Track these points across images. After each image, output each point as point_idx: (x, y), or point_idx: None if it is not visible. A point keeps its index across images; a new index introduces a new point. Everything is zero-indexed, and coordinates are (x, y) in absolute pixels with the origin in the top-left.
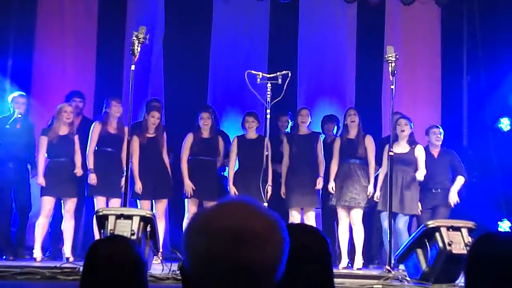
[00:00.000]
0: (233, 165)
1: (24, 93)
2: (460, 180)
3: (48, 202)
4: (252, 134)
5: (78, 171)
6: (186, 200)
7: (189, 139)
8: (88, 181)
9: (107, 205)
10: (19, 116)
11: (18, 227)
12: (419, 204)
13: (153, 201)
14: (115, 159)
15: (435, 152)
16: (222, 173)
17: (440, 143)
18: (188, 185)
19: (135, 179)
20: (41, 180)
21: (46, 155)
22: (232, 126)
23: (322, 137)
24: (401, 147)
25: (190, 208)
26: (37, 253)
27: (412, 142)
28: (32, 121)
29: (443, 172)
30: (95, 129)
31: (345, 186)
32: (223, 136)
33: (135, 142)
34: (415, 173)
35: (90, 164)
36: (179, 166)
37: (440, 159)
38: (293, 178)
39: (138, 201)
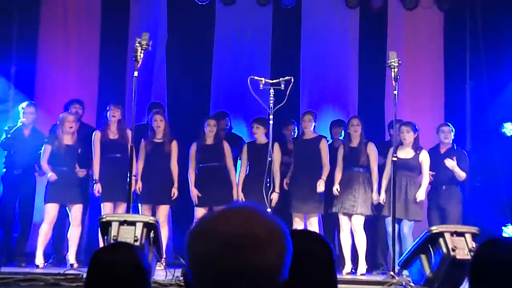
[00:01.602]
0: (244, 172)
1: (33, 102)
2: (462, 173)
3: (51, 209)
4: (261, 139)
5: (80, 172)
6: (195, 208)
7: (193, 148)
8: (93, 191)
9: (114, 211)
10: (20, 124)
11: (19, 234)
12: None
13: (155, 207)
14: (121, 164)
15: (443, 149)
16: None
17: (449, 140)
18: (194, 193)
19: (137, 180)
20: (51, 175)
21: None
22: (235, 131)
23: (330, 141)
24: (405, 153)
25: (199, 215)
26: (39, 260)
27: (417, 147)
28: (40, 129)
29: (449, 169)
30: (96, 139)
31: (346, 193)
32: (233, 139)
33: (142, 146)
34: (419, 178)
35: (96, 174)
36: (184, 173)
37: (446, 156)
38: (297, 183)
39: (139, 205)
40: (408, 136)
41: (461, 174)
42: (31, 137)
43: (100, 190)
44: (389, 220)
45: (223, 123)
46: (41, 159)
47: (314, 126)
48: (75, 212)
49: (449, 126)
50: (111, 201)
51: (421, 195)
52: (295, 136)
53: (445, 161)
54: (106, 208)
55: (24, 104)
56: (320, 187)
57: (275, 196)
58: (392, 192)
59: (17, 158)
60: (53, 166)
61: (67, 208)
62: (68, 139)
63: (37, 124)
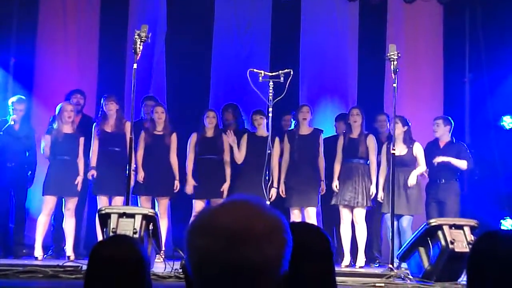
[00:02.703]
0: (240, 162)
1: (23, 97)
2: (462, 162)
3: (50, 201)
4: (262, 132)
5: (80, 181)
6: (193, 200)
7: (193, 138)
8: (87, 175)
9: (109, 204)
10: (12, 123)
11: (15, 226)
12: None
13: (155, 199)
14: (119, 157)
15: (442, 143)
16: None
17: (440, 134)
18: (190, 184)
19: (138, 169)
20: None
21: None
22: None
23: (332, 134)
24: (399, 149)
25: (197, 207)
26: (38, 251)
27: (409, 141)
28: (32, 125)
29: (448, 163)
30: (95, 132)
31: (347, 185)
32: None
33: (142, 137)
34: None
35: (93, 162)
36: (182, 165)
37: (445, 150)
38: (294, 177)
39: (138, 197)
40: (397, 127)
41: (461, 164)
42: (21, 130)
43: (95, 175)
44: (388, 215)
45: (229, 115)
46: (42, 151)
47: (311, 119)
48: (69, 204)
49: (441, 118)
50: (106, 194)
51: (412, 179)
52: (290, 128)
53: (434, 161)
54: (102, 201)
55: (14, 99)
56: (323, 191)
57: (273, 191)
58: (391, 185)
59: (10, 151)
60: (54, 156)
61: (63, 199)
62: (67, 128)
63: (36, 116)
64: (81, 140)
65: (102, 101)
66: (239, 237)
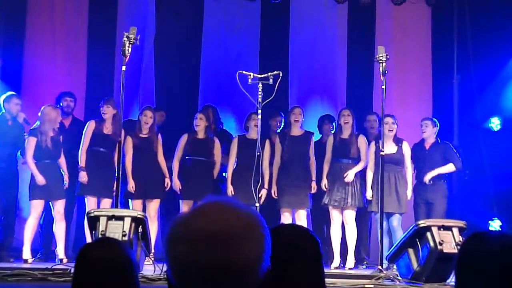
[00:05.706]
0: (232, 164)
1: (15, 93)
2: (449, 166)
3: (37, 205)
4: (254, 134)
5: (66, 179)
6: (180, 201)
7: (183, 139)
8: (79, 179)
9: (98, 206)
10: (21, 120)
11: (3, 229)
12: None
13: (145, 202)
14: (107, 159)
15: (428, 144)
16: (224, 174)
17: (428, 134)
18: (176, 184)
19: (128, 178)
20: (40, 179)
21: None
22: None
23: (318, 136)
24: (389, 147)
25: (184, 209)
26: (27, 254)
27: (397, 140)
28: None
29: (434, 164)
30: (89, 128)
31: (336, 186)
32: (223, 136)
33: (129, 142)
34: (405, 171)
35: (82, 162)
36: (171, 167)
37: (431, 151)
38: (285, 178)
39: (130, 200)
40: (394, 128)
41: (449, 169)
42: (13, 127)
43: (86, 178)
44: (377, 215)
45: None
46: (26, 153)
47: (302, 121)
48: (58, 206)
49: (430, 120)
50: (94, 195)
51: (409, 192)
52: (281, 129)
53: (425, 180)
54: (90, 203)
55: (4, 96)
56: (314, 189)
57: (264, 193)
58: (380, 187)
59: (2, 150)
60: (37, 160)
61: (50, 203)
62: (51, 133)
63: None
64: (60, 138)
65: (100, 104)
66: (218, 240)
